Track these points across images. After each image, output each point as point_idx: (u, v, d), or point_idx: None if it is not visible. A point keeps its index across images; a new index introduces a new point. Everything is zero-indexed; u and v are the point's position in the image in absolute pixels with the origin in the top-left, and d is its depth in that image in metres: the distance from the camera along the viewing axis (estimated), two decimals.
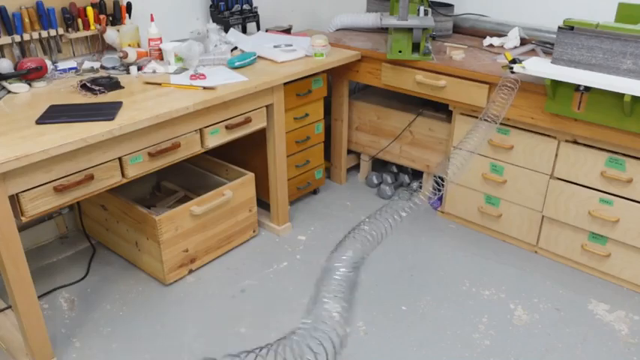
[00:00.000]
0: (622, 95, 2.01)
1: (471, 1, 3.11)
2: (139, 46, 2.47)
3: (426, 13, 2.61)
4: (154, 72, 2.36)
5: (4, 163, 1.58)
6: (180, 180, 2.88)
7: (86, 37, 2.42)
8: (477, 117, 2.51)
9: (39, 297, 2.16)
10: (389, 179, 3.15)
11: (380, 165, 3.30)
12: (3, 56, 2.20)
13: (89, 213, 2.62)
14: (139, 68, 2.37)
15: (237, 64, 2.45)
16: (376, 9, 3.17)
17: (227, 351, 2.07)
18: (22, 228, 2.49)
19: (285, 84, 2.46)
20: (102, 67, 2.39)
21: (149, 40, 2.44)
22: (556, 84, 2.18)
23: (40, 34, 2.25)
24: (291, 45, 2.72)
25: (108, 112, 1.91)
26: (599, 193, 2.32)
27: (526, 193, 2.54)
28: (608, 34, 2.05)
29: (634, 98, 2.00)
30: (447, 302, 2.32)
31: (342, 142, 3.17)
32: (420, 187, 2.22)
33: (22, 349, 1.96)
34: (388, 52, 2.62)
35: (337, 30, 3.22)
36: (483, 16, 3.04)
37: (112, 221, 2.49)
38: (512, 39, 2.77)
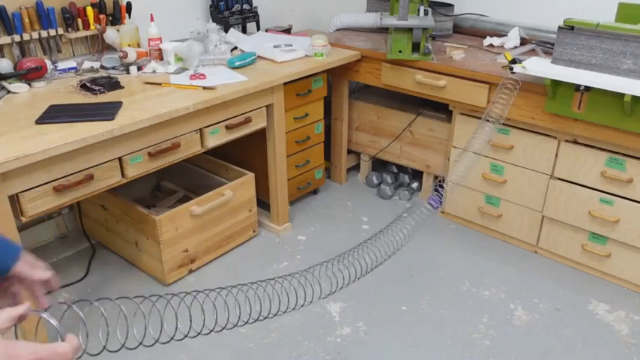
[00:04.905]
0: (622, 95, 2.01)
1: (471, 1, 3.11)
2: (138, 46, 2.46)
3: (426, 13, 2.61)
4: (154, 72, 2.36)
5: (4, 163, 1.58)
6: (180, 180, 2.88)
7: (86, 37, 2.42)
8: (476, 117, 2.51)
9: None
10: (389, 179, 3.15)
11: (380, 165, 3.30)
12: (3, 56, 2.20)
13: (89, 213, 2.62)
14: (139, 68, 2.37)
15: (237, 64, 2.45)
16: (376, 9, 3.17)
17: (227, 350, 2.07)
18: (22, 228, 2.48)
19: (285, 84, 2.46)
20: (102, 67, 2.39)
21: (149, 40, 2.44)
22: (556, 84, 2.18)
23: (39, 33, 2.25)
24: (291, 45, 2.71)
25: (108, 112, 1.91)
26: (600, 193, 2.32)
27: (526, 193, 2.54)
28: (608, 34, 2.05)
29: (634, 98, 1.99)
30: (447, 302, 2.32)
31: (342, 142, 3.17)
32: (436, 206, 2.19)
33: None
34: (388, 52, 2.62)
35: (337, 30, 3.22)
36: (483, 16, 3.04)
37: (111, 221, 2.49)
38: (512, 39, 2.77)
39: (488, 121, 1.94)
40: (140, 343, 0.77)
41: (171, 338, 0.78)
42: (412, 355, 2.05)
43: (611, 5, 2.30)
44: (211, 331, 0.89)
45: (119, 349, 0.74)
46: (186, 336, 0.79)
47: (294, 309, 0.96)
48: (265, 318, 0.95)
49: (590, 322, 2.22)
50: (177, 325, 0.80)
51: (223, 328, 0.91)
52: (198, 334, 0.85)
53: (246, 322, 0.95)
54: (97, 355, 0.73)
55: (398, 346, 2.10)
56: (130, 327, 0.74)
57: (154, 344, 0.77)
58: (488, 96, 2.45)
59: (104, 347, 0.74)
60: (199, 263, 2.48)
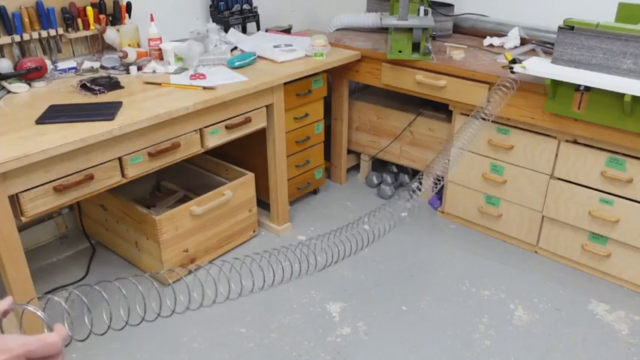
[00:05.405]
0: (622, 95, 2.01)
1: (471, 1, 3.11)
2: (138, 46, 2.46)
3: (426, 13, 2.61)
4: (154, 72, 2.36)
5: (4, 163, 1.58)
6: (180, 180, 2.88)
7: (86, 37, 2.42)
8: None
9: (39, 297, 2.16)
10: (389, 179, 3.15)
11: (380, 165, 3.30)
12: (3, 56, 2.20)
13: (89, 213, 2.62)
14: (139, 68, 2.37)
15: (237, 64, 2.45)
16: (376, 9, 3.17)
17: (227, 350, 2.07)
18: (22, 228, 2.48)
19: (285, 84, 2.46)
20: (102, 67, 2.39)
21: (149, 40, 2.44)
22: (556, 84, 2.18)
23: (39, 33, 2.25)
24: (291, 45, 2.71)
25: (108, 112, 1.91)
26: (600, 193, 2.32)
27: (526, 193, 2.54)
28: (608, 34, 2.05)
29: (634, 98, 1.99)
30: (447, 302, 2.32)
31: (342, 142, 3.17)
32: (420, 189, 2.21)
33: None
34: (388, 52, 2.62)
35: (337, 30, 3.22)
36: (483, 16, 3.04)
37: (111, 221, 2.49)
38: (512, 39, 2.77)
39: (483, 119, 1.94)
40: (141, 320, 0.79)
41: (172, 311, 0.80)
42: (412, 355, 2.05)
43: (611, 5, 2.30)
44: (214, 301, 0.92)
45: (123, 327, 0.76)
46: (187, 308, 0.81)
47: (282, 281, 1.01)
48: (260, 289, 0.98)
49: (590, 322, 2.22)
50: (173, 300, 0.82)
51: (226, 299, 0.94)
52: (201, 305, 0.87)
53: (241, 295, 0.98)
54: (103, 333, 0.75)
55: (398, 346, 2.10)
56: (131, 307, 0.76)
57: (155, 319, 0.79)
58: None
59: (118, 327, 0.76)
60: (199, 263, 2.48)
